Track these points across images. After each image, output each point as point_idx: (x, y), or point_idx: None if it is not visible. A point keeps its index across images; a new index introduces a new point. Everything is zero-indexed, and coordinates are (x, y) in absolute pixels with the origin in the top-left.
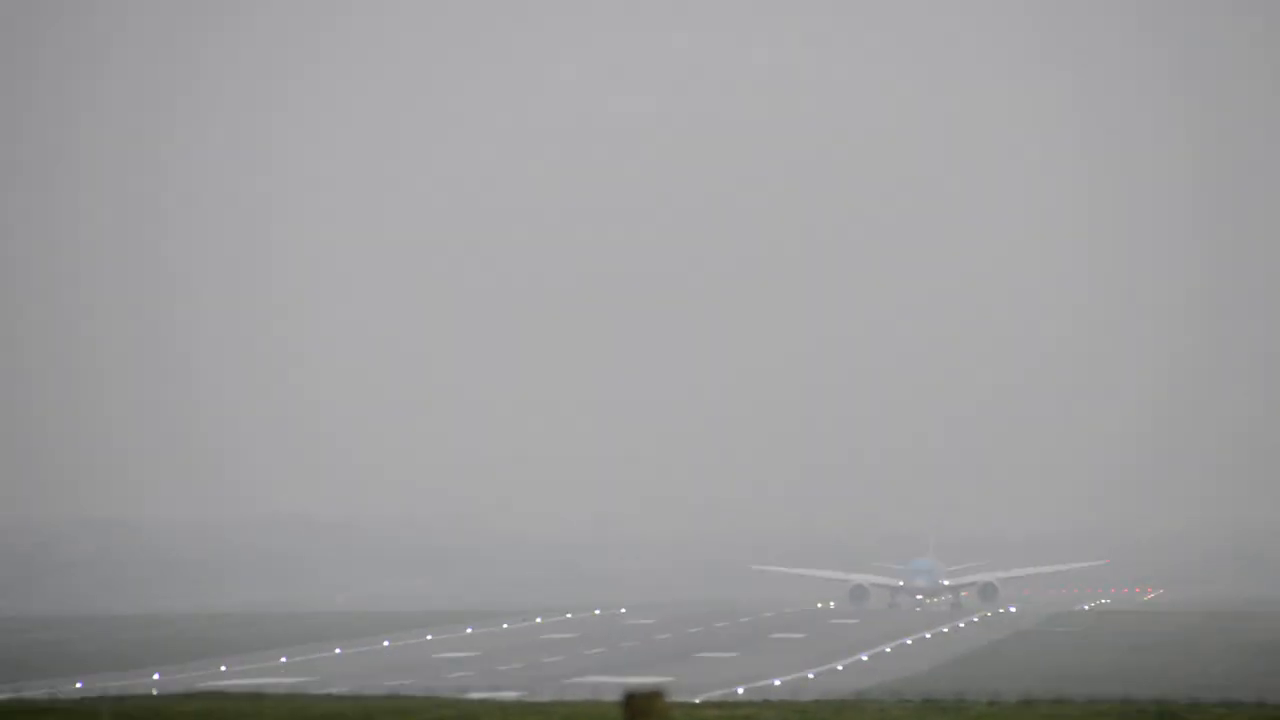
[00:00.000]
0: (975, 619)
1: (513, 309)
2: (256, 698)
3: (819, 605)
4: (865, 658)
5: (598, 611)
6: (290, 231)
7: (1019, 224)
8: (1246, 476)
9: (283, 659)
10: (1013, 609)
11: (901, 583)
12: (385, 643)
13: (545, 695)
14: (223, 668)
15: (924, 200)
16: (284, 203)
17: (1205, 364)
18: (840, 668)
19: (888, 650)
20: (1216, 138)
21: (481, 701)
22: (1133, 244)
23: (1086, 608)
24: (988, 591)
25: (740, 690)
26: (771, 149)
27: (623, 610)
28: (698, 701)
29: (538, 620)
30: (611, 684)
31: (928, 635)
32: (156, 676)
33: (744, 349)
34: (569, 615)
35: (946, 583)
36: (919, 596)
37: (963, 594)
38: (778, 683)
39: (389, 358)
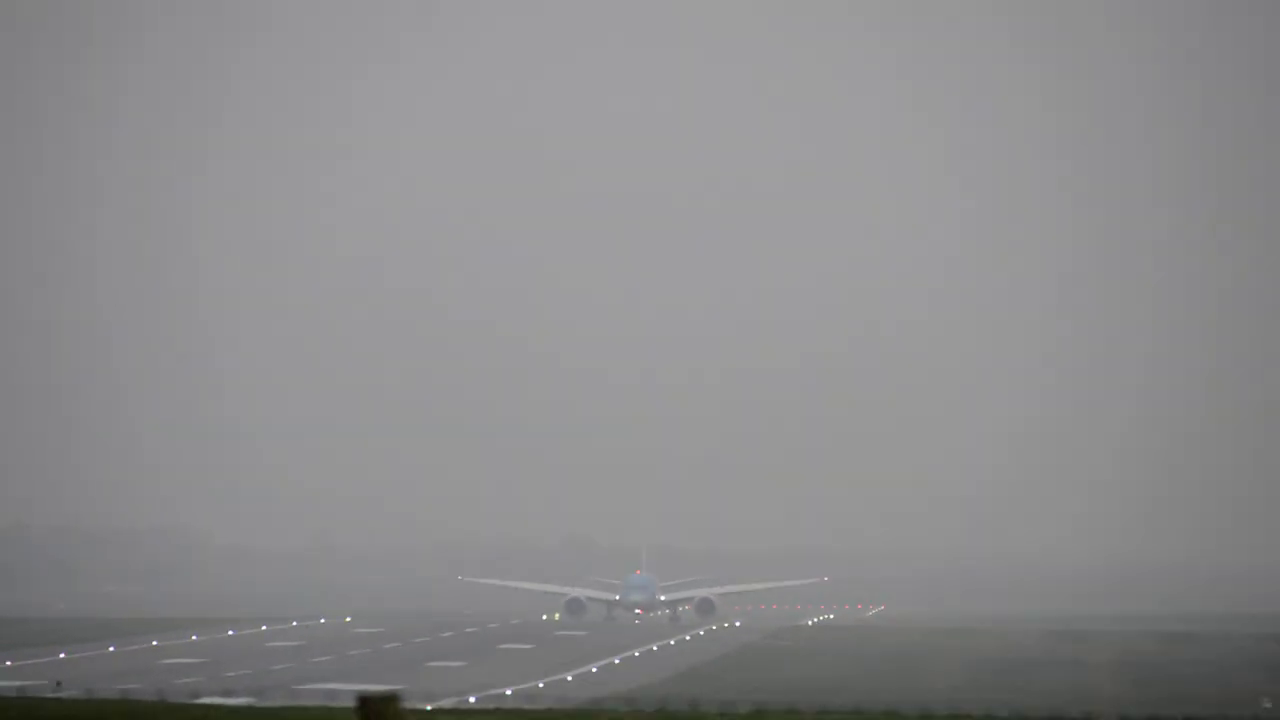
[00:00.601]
0: (701, 633)
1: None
2: None
3: (544, 618)
4: (595, 669)
5: (323, 620)
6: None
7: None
8: (970, 506)
9: (8, 663)
10: (737, 624)
11: (618, 596)
12: (110, 648)
13: (276, 701)
14: None
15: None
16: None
17: (922, 390)
18: (570, 678)
19: (617, 662)
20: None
21: (215, 706)
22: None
23: (810, 623)
24: (705, 607)
25: (473, 699)
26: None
27: (348, 619)
28: (429, 709)
29: (263, 628)
30: (342, 690)
31: (655, 648)
32: None
33: (448, 352)
34: (294, 623)
35: (663, 598)
36: (636, 611)
37: (681, 608)
38: (509, 692)
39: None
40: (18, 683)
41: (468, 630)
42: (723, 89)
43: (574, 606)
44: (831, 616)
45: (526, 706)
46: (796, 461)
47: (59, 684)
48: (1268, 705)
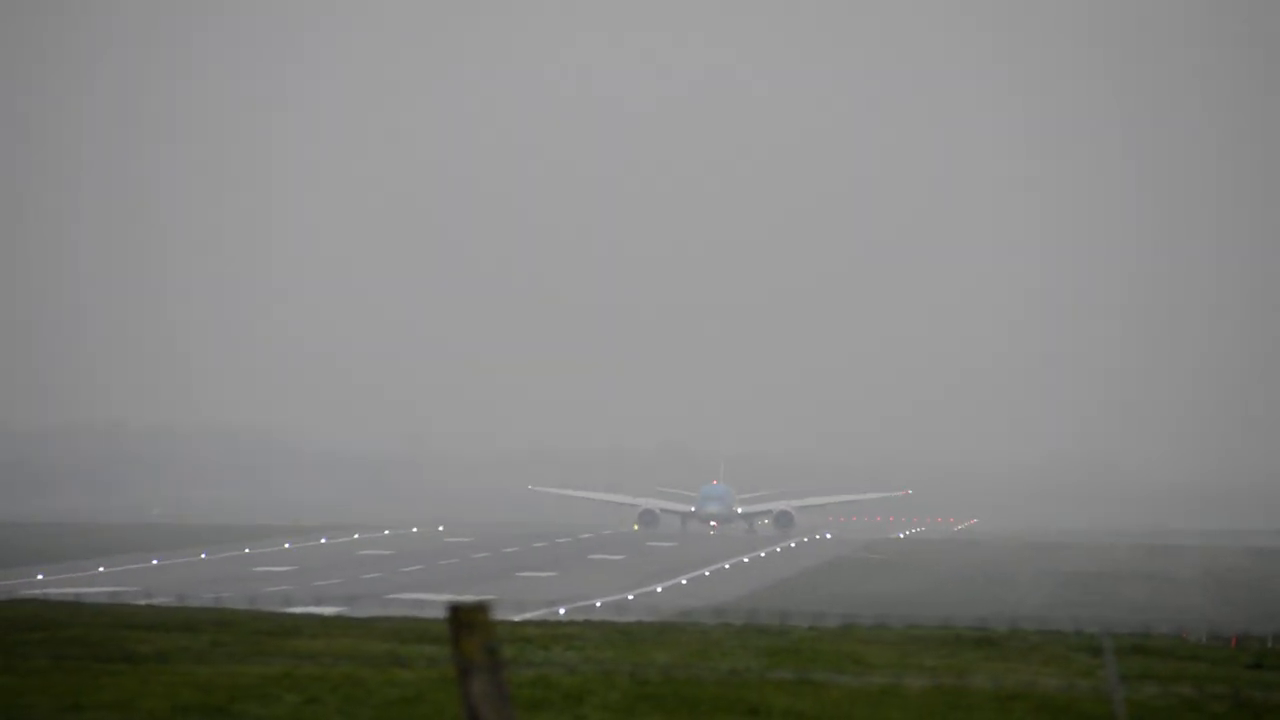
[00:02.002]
0: (792, 545)
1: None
2: (76, 606)
3: (635, 528)
4: (684, 581)
5: (415, 529)
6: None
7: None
8: (1056, 410)
9: (100, 569)
10: (828, 535)
11: (693, 509)
12: (203, 555)
13: (366, 611)
14: (39, 576)
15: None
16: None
17: (1027, 303)
18: (660, 590)
19: (707, 574)
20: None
21: (304, 615)
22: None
23: (902, 535)
24: (783, 520)
25: (562, 610)
26: (730, 143)
27: (440, 528)
28: (518, 620)
29: (355, 536)
30: (432, 601)
31: (745, 560)
32: None
33: (552, 282)
34: (386, 532)
35: (740, 510)
36: (712, 524)
37: (760, 521)
38: (598, 603)
39: (225, 271)
40: (111, 588)
41: (559, 540)
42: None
43: (647, 518)
44: (923, 529)
45: (615, 618)
46: (887, 373)
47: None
48: None
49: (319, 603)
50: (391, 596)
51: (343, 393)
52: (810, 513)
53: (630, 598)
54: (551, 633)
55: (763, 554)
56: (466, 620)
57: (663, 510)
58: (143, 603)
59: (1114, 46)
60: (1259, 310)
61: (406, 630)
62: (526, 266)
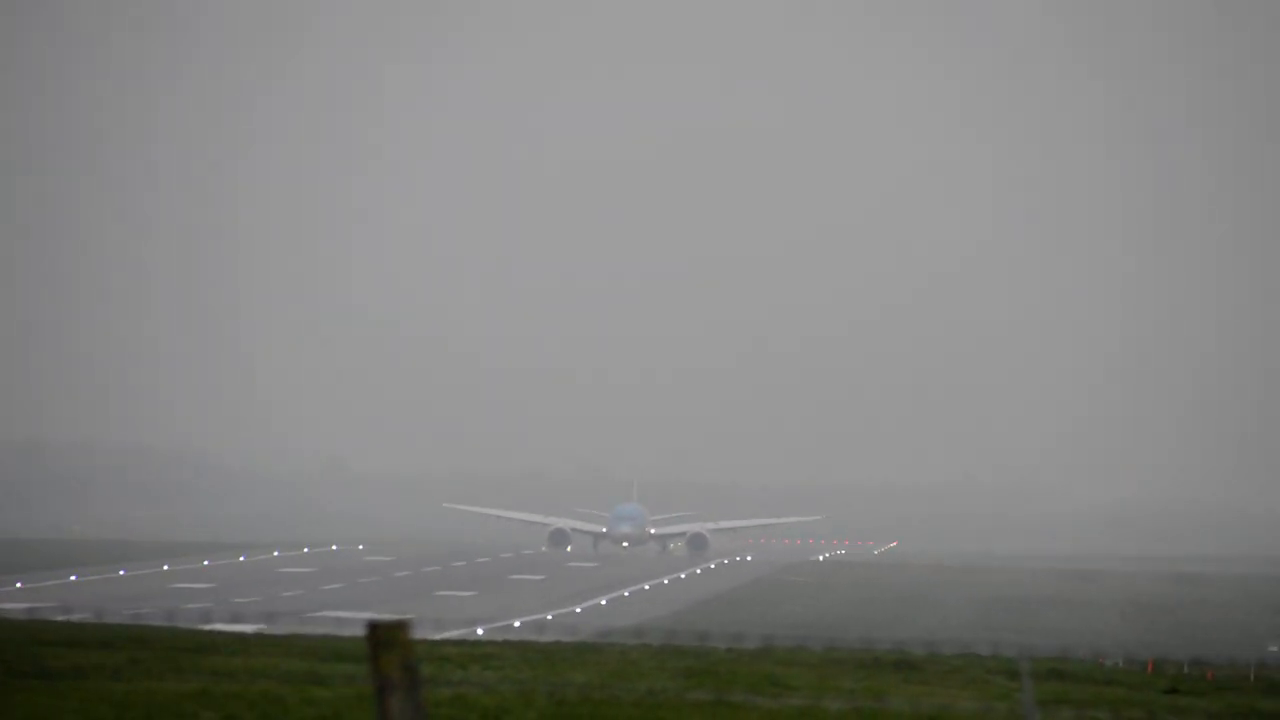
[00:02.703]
0: (712, 566)
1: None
2: None
3: (543, 550)
4: (604, 602)
5: (335, 547)
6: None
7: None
8: (973, 437)
9: (18, 584)
10: (748, 558)
11: (605, 529)
12: (121, 572)
13: (285, 628)
14: None
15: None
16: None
17: (938, 334)
18: (579, 610)
19: (626, 595)
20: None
21: (222, 632)
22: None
23: (822, 559)
24: (697, 542)
25: (481, 630)
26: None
27: (360, 546)
28: (437, 639)
29: (275, 554)
30: (352, 619)
31: (665, 581)
32: None
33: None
34: (306, 550)
35: (654, 531)
36: (624, 544)
37: (673, 544)
38: (517, 623)
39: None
40: (28, 604)
41: (479, 560)
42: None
43: (558, 538)
44: (843, 552)
45: (534, 638)
46: (805, 399)
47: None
48: (1274, 649)
49: (237, 620)
50: (311, 614)
51: (263, 413)
52: (725, 535)
53: (549, 618)
54: (470, 652)
55: (683, 575)
56: (385, 638)
57: (574, 530)
58: (60, 619)
59: (1102, 49)
60: (1171, 326)
61: (325, 648)
62: (428, 298)
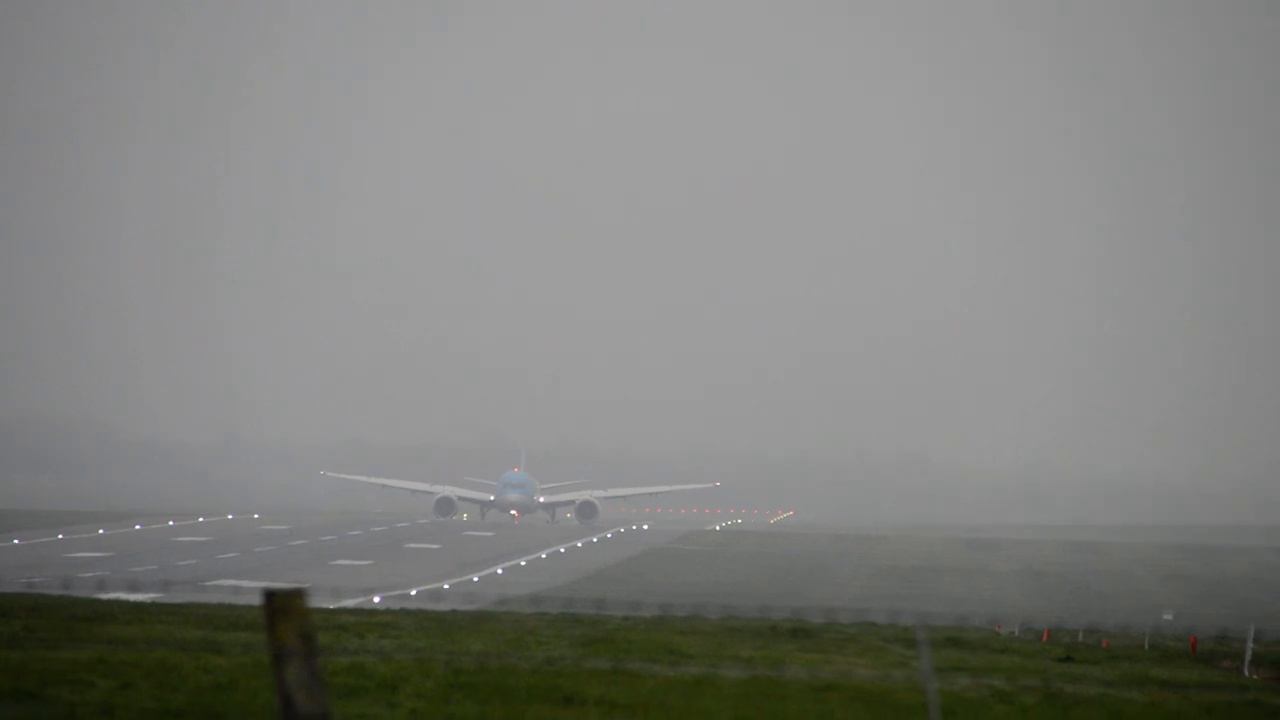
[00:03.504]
0: (609, 535)
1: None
2: None
3: (422, 522)
4: (500, 570)
5: (230, 516)
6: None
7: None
8: (868, 404)
9: None
10: (645, 526)
11: (492, 497)
12: (15, 540)
13: (181, 597)
14: None
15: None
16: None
17: (831, 301)
18: (476, 579)
19: (523, 563)
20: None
21: (118, 601)
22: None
23: (718, 527)
24: (586, 510)
25: (378, 599)
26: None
27: (256, 516)
28: (334, 608)
29: (170, 523)
30: (248, 588)
31: (562, 550)
32: None
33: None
34: (201, 519)
35: (542, 499)
36: (512, 513)
37: (565, 515)
38: (414, 592)
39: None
40: None
41: (375, 529)
42: (760, 88)
43: (443, 506)
44: (739, 521)
45: (431, 607)
46: (695, 365)
47: None
48: (1168, 617)
49: (134, 589)
50: (207, 583)
51: (162, 383)
52: (616, 503)
53: (446, 586)
54: (367, 621)
55: (579, 544)
56: (281, 606)
57: (461, 498)
58: None
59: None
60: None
61: (221, 617)
62: (333, 264)
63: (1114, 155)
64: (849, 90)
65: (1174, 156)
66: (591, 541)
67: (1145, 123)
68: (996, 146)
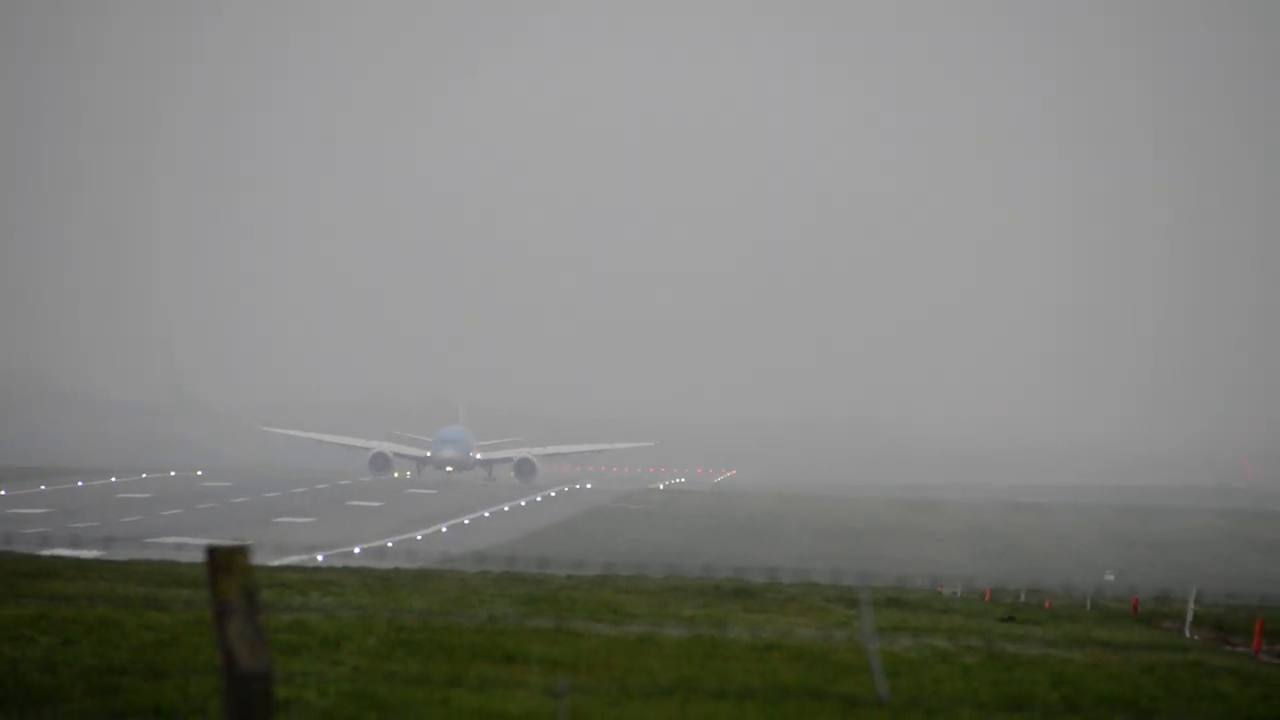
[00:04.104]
0: (553, 494)
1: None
2: None
3: (402, 475)
4: (444, 529)
5: (173, 473)
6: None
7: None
8: (820, 371)
9: None
10: (588, 485)
11: (429, 454)
12: None
13: (124, 554)
14: None
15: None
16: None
17: (763, 266)
18: (420, 537)
19: (466, 522)
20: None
21: (60, 557)
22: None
23: (661, 486)
24: (525, 468)
25: (321, 556)
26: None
27: (199, 472)
28: (276, 565)
29: (113, 480)
30: (191, 544)
31: (505, 508)
32: None
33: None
34: (144, 475)
35: (479, 456)
36: (448, 469)
37: (507, 474)
38: (358, 550)
39: None
40: None
41: (319, 486)
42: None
43: (379, 462)
44: (682, 481)
45: (374, 564)
46: (640, 329)
47: None
48: (1110, 578)
49: (76, 545)
50: (150, 540)
51: (107, 339)
52: (557, 461)
53: (390, 544)
54: (310, 578)
55: (523, 503)
56: (224, 563)
57: (397, 455)
58: None
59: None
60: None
61: (163, 574)
62: (278, 228)
63: (1069, 129)
64: (802, 60)
65: (1119, 120)
66: (535, 500)
67: (1112, 90)
68: (949, 112)
